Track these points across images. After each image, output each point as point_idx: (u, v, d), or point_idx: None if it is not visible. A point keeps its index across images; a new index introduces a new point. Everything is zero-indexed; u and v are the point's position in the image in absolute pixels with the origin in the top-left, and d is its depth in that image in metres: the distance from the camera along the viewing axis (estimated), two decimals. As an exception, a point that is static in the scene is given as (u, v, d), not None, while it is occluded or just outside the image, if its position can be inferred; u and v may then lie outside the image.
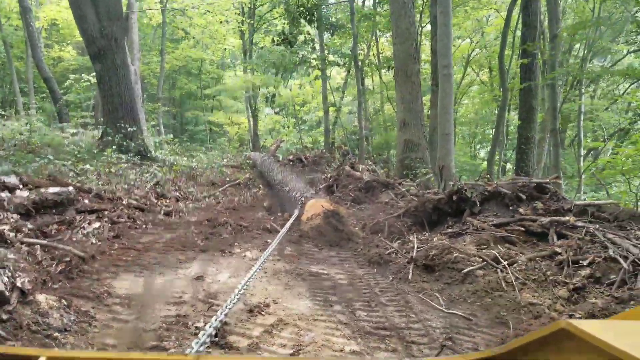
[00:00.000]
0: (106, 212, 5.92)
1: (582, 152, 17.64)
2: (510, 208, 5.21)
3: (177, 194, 8.48)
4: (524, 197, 5.18)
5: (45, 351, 0.65)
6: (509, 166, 20.71)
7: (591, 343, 0.53)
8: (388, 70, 17.99)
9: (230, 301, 2.17)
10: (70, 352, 0.60)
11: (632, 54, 19.01)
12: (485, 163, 16.45)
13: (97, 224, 5.47)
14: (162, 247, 5.17)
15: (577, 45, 18.22)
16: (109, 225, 5.54)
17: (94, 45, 11.54)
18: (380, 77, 19.97)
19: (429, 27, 15.93)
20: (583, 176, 14.46)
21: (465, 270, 4.29)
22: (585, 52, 16.27)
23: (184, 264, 4.65)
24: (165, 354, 0.69)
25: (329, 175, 10.01)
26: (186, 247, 5.20)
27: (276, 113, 28.44)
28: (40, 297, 3.09)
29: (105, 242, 5.00)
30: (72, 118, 20.00)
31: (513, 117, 19.40)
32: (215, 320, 1.78)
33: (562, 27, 13.03)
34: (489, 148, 18.31)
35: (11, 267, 3.02)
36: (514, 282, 4.03)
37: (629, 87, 19.98)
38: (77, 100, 24.33)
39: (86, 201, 6.17)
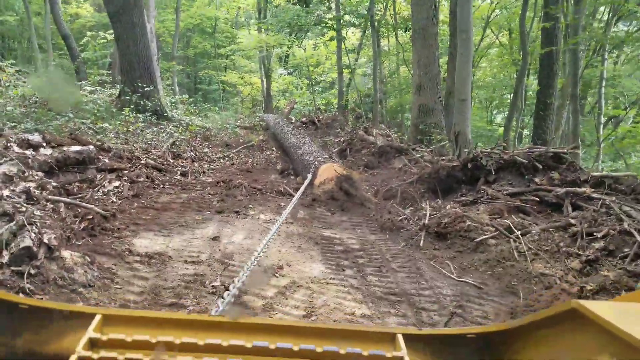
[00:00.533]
0: (125, 172, 6.03)
1: (602, 119, 17.22)
2: (526, 177, 5.18)
3: (193, 154, 8.56)
4: (540, 166, 5.13)
5: (100, 309, 0.72)
6: (526, 132, 20.36)
7: (600, 324, 0.54)
8: (405, 31, 17.50)
9: (251, 263, 2.24)
10: (124, 311, 0.76)
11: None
12: (501, 129, 16.17)
13: (117, 183, 5.59)
14: (180, 207, 5.29)
15: (602, 8, 17.44)
16: (129, 184, 5.66)
17: (112, 3, 11.40)
18: (397, 39, 19.43)
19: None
20: (602, 145, 14.19)
21: (478, 239, 4.33)
22: (610, 15, 15.59)
23: (200, 224, 4.76)
24: (207, 314, 0.77)
25: (342, 139, 9.98)
26: (202, 208, 5.31)
27: (289, 74, 28.06)
28: (66, 254, 3.21)
29: (125, 200, 5.12)
30: (90, 76, 19.97)
31: (532, 82, 18.87)
32: (238, 281, 1.84)
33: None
34: (506, 113, 17.94)
35: (38, 224, 3.13)
36: (526, 253, 4.07)
37: (656, 52, 19.23)
38: (93, 57, 24.21)
39: (106, 160, 6.27)
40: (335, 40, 17.05)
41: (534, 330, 0.65)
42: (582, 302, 0.57)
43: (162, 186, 6.01)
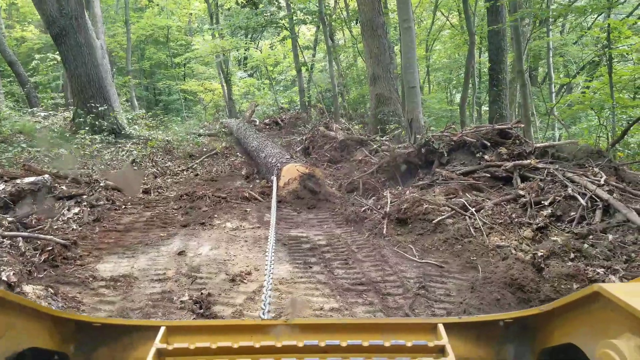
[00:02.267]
0: (84, 197, 5.95)
1: (554, 88, 17.83)
2: (477, 155, 5.40)
3: (155, 170, 8.48)
4: (488, 144, 5.35)
5: (165, 322, 0.79)
6: (484, 108, 20.89)
7: (621, 306, 0.58)
8: (356, 23, 17.65)
9: (269, 272, 2.26)
10: (186, 322, 0.88)
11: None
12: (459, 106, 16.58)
13: (76, 210, 5.51)
14: (143, 225, 5.27)
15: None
16: (89, 209, 5.59)
17: (54, 25, 11.10)
18: (350, 31, 19.62)
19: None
20: (556, 113, 14.72)
21: (436, 220, 4.51)
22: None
23: (165, 240, 4.77)
24: (260, 319, 0.92)
25: (304, 137, 10.07)
26: (167, 224, 5.31)
27: (249, 76, 27.92)
28: (27, 288, 3.19)
29: (86, 226, 5.07)
30: (42, 100, 19.39)
31: (485, 59, 19.37)
32: (266, 289, 1.85)
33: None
34: (462, 91, 18.36)
35: (-7, 263, 3.10)
36: (482, 228, 4.27)
37: (596, 18, 20.00)
38: (45, 81, 23.50)
39: (63, 187, 6.17)
40: (290, 39, 17.07)
41: (562, 313, 0.70)
42: (604, 285, 0.61)
43: (123, 207, 5.96)
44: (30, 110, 15.83)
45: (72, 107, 13.18)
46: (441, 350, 0.72)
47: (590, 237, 3.70)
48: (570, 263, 3.48)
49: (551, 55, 17.14)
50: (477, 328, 0.78)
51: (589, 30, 19.26)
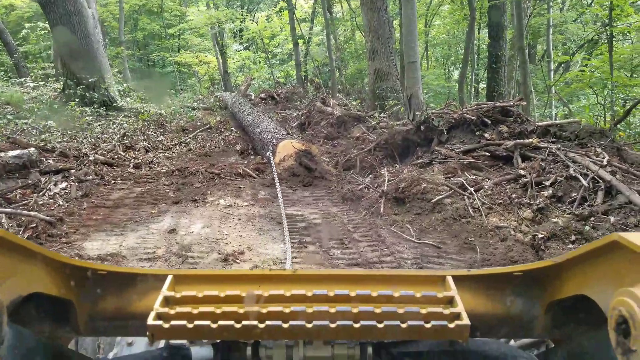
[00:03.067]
0: (72, 171, 5.78)
1: (552, 66, 17.58)
2: (477, 134, 5.25)
3: (146, 144, 8.29)
4: (489, 122, 5.20)
5: (172, 271, 0.80)
6: (482, 85, 20.61)
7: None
8: (355, -5, 17.18)
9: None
10: (193, 271, 0.83)
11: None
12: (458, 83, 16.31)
13: (63, 185, 5.36)
14: (133, 202, 5.14)
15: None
16: (77, 184, 5.43)
17: None
18: (349, 4, 19.13)
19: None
20: (554, 91, 14.53)
21: (434, 200, 4.40)
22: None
23: (156, 217, 4.64)
24: (268, 269, 0.96)
25: (300, 113, 9.85)
26: (158, 200, 5.18)
27: (245, 48, 27.34)
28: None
29: (73, 202, 4.92)
30: (32, 70, 18.89)
31: (484, 35, 19.00)
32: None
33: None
34: (461, 67, 18.06)
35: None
36: (481, 208, 4.17)
37: (598, -8, 19.58)
38: (35, 50, 22.89)
39: (50, 161, 6.00)
40: (287, 11, 16.61)
41: (576, 264, 0.70)
42: (623, 234, 0.60)
43: (113, 182, 5.81)
44: (18, 80, 15.45)
45: (62, 78, 12.82)
46: (450, 302, 0.73)
47: (592, 219, 3.61)
48: (571, 245, 3.40)
49: (551, 32, 16.82)
50: (486, 281, 0.79)
51: (589, 7, 18.88)
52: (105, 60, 18.52)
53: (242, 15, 24.53)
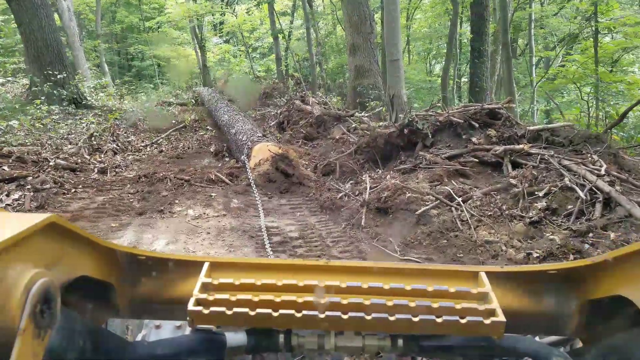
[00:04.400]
0: (29, 179, 5.31)
1: (534, 60, 17.50)
2: (464, 137, 4.95)
3: (115, 145, 7.80)
4: (476, 125, 4.90)
5: (208, 258, 0.81)
6: (464, 80, 20.46)
7: None
8: (336, -12, 16.81)
9: None
10: (229, 259, 0.80)
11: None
12: (440, 80, 16.09)
13: (17, 195, 4.89)
14: (93, 213, 4.69)
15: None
16: (31, 194, 4.96)
17: None
18: (329, -4, 18.73)
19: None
20: (535, 87, 14.40)
21: (419, 211, 4.08)
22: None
23: (117, 232, 4.23)
24: (302, 259, 0.83)
25: (279, 112, 9.45)
26: (120, 211, 4.74)
27: (225, 42, 26.68)
28: None
29: (26, 215, 4.46)
30: (4, 65, 18.04)
31: (466, 30, 18.83)
32: None
33: None
34: (444, 63, 17.86)
35: None
36: (469, 220, 3.86)
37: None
38: (10, 44, 21.92)
39: (5, 168, 5.51)
40: (266, 4, 16.12)
41: (615, 264, 0.69)
42: None
43: (74, 190, 5.34)
44: (-17, 76, 14.67)
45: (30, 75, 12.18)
46: (484, 298, 0.72)
47: (591, 234, 3.33)
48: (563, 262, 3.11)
49: (532, 27, 16.72)
50: (520, 278, 0.78)
51: (571, 1, 18.85)
52: (81, 54, 17.80)
53: (221, 8, 23.90)
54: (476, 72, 12.84)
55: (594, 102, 11.26)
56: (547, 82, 14.43)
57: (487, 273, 0.76)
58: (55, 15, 15.11)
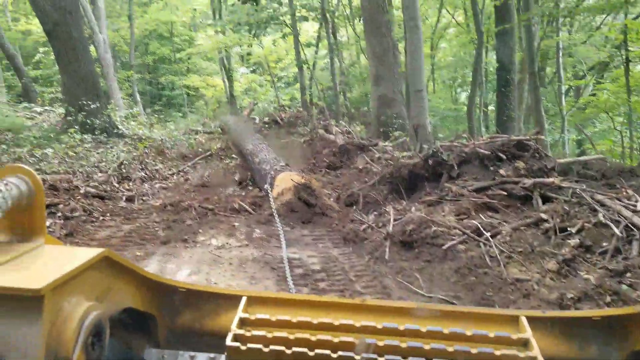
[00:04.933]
0: (60, 206, 5.45)
1: (563, 89, 17.24)
2: (491, 169, 4.84)
3: (143, 173, 7.96)
4: (504, 157, 4.80)
5: (246, 292, 0.82)
6: (491, 108, 20.28)
7: None
8: (359, 20, 17.10)
9: None
10: (267, 293, 0.80)
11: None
12: (466, 108, 15.98)
13: (48, 222, 5.00)
14: (120, 242, 4.75)
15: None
16: (62, 221, 5.08)
17: (47, 20, 10.62)
18: (354, 29, 19.06)
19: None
20: (565, 116, 14.13)
21: (446, 246, 3.97)
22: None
23: (141, 261, 4.25)
24: (338, 297, 0.83)
25: (302, 140, 9.52)
26: (146, 240, 4.79)
27: (252, 72, 27.37)
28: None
29: (54, 243, 4.55)
30: (42, 94, 18.96)
31: (492, 58, 18.79)
32: None
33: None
34: (469, 92, 17.78)
35: None
36: (499, 256, 3.73)
37: (605, 18, 19.32)
38: (47, 74, 23.11)
39: (37, 195, 5.67)
40: (292, 36, 16.54)
41: None
42: None
43: (102, 218, 5.44)
44: (25, 105, 15.38)
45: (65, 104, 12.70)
46: (524, 344, 0.70)
47: (628, 274, 3.16)
48: (606, 308, 2.94)
49: (560, 55, 16.54)
50: (562, 323, 0.75)
51: (598, 31, 18.62)
52: (115, 84, 18.55)
53: (249, 40, 24.64)
54: (503, 101, 12.73)
55: (628, 133, 10.95)
56: (577, 111, 14.15)
57: (528, 318, 0.74)
58: (92, 47, 15.88)
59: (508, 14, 11.90)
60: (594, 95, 15.77)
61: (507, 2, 11.33)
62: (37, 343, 0.57)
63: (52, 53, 18.18)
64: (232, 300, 0.83)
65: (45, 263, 0.70)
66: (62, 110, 13.77)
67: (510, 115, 12.38)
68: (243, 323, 0.77)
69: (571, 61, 19.69)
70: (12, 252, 0.71)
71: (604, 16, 19.03)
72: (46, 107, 15.30)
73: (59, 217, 5.21)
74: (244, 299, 0.81)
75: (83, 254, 0.66)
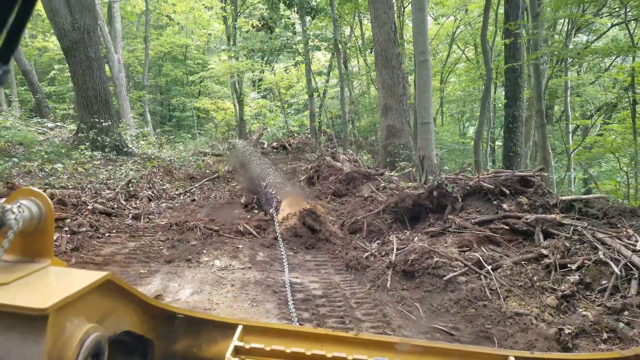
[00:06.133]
0: (67, 221, 5.54)
1: (570, 128, 17.36)
2: (494, 203, 4.90)
3: (150, 192, 8.07)
4: (507, 191, 4.86)
5: (242, 321, 0.84)
6: (498, 144, 20.40)
7: None
8: (371, 52, 17.50)
9: None
10: (262, 323, 0.82)
11: (616, 27, 18.59)
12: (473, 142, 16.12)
13: (55, 236, 5.08)
14: (124, 258, 4.82)
15: (562, 20, 17.76)
16: (68, 236, 5.16)
17: (66, 39, 11.00)
18: (365, 60, 19.47)
19: (410, 7, 15.36)
20: (572, 155, 14.21)
21: (447, 277, 4.00)
22: (569, 27, 15.86)
23: (145, 278, 4.30)
24: (332, 330, 0.84)
25: (309, 167, 9.64)
26: (150, 258, 4.85)
27: (262, 97, 27.86)
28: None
29: (61, 256, 4.62)
30: (54, 110, 19.39)
31: (500, 95, 19.04)
32: None
33: (546, 2, 12.59)
34: (476, 126, 17.96)
35: None
36: (499, 290, 3.75)
37: (614, 60, 19.61)
38: (60, 91, 23.66)
39: (46, 208, 5.78)
40: (304, 64, 16.92)
41: None
42: None
43: (107, 234, 5.52)
44: (37, 120, 15.72)
45: (77, 121, 12.98)
46: None
47: (626, 313, 3.17)
48: (603, 346, 2.95)
49: (569, 94, 16.73)
50: None
51: (606, 72, 18.88)
52: (127, 103, 18.95)
53: (261, 66, 25.19)
54: (510, 137, 12.85)
55: (633, 174, 10.98)
56: (583, 150, 14.22)
57: (516, 357, 0.75)
58: (106, 66, 16.31)
59: (517, 53, 12.15)
60: (600, 135, 15.87)
61: (517, 40, 11.58)
62: None
63: (66, 70, 18.73)
64: (228, 328, 0.83)
65: (51, 284, 0.72)
66: (73, 127, 14.09)
67: (517, 151, 12.48)
68: (238, 352, 0.78)
69: (579, 100, 19.91)
70: (19, 271, 0.73)
71: (613, 58, 19.32)
72: (58, 123, 15.62)
73: (66, 231, 5.29)
74: (239, 328, 0.82)
75: (87, 277, 0.69)
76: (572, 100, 18.12)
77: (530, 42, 12.51)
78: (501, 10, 14.43)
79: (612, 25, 18.32)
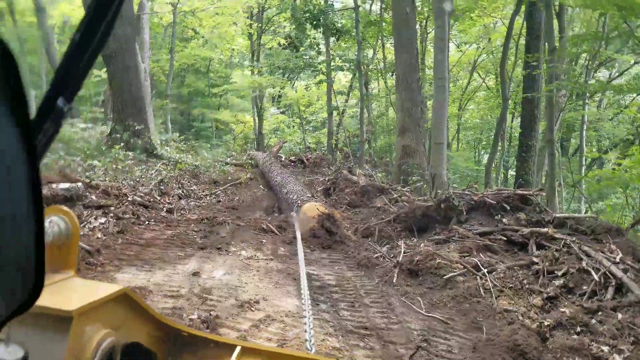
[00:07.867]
0: (112, 208, 6.22)
1: (585, 162, 17.70)
2: (495, 217, 5.45)
3: (180, 191, 8.76)
4: (508, 207, 5.42)
5: (241, 342, 0.89)
6: (511, 172, 20.79)
7: None
8: (392, 75, 18.20)
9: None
10: (260, 346, 0.96)
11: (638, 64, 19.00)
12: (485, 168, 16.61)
13: (103, 219, 5.76)
14: (163, 243, 5.46)
15: (584, 55, 18.24)
16: (114, 220, 5.83)
17: (106, 47, 11.90)
18: (385, 82, 20.16)
19: (433, 34, 16.08)
20: (583, 187, 14.58)
21: (447, 276, 4.54)
22: (590, 62, 16.36)
23: (182, 260, 4.92)
24: (333, 357, 1.06)
25: (327, 179, 10.26)
26: (185, 244, 5.48)
27: (282, 113, 28.68)
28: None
29: (110, 236, 5.29)
30: (81, 112, 20.38)
31: (517, 124, 19.50)
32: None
33: (567, 37, 13.13)
34: (489, 152, 18.42)
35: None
36: (492, 289, 4.28)
37: (635, 97, 19.95)
38: (86, 95, 24.71)
39: (93, 197, 6.46)
40: (325, 83, 17.66)
41: None
42: None
43: (147, 222, 6.18)
44: (70, 120, 16.65)
45: (110, 123, 13.84)
46: None
47: (600, 313, 3.68)
48: (575, 336, 3.46)
49: (585, 128, 17.12)
50: None
51: (625, 110, 19.22)
52: (150, 110, 19.85)
53: (282, 82, 25.99)
54: (523, 166, 13.30)
55: (638, 207, 11.37)
56: (594, 182, 14.58)
57: None
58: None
59: (535, 84, 12.68)
60: (613, 169, 16.20)
61: (534, 72, 12.15)
62: (61, 358, 0.64)
63: (94, 76, 19.77)
64: (226, 349, 0.86)
65: (75, 291, 0.77)
66: (103, 129, 14.99)
67: (528, 179, 12.91)
68: None
69: (595, 135, 20.21)
70: (46, 280, 0.75)
71: (634, 95, 19.67)
72: (88, 124, 16.53)
73: (112, 216, 5.96)
74: (237, 349, 0.85)
75: (106, 288, 0.75)
76: (589, 134, 18.49)
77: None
78: (522, 41, 15.03)
79: (636, 63, 18.74)
